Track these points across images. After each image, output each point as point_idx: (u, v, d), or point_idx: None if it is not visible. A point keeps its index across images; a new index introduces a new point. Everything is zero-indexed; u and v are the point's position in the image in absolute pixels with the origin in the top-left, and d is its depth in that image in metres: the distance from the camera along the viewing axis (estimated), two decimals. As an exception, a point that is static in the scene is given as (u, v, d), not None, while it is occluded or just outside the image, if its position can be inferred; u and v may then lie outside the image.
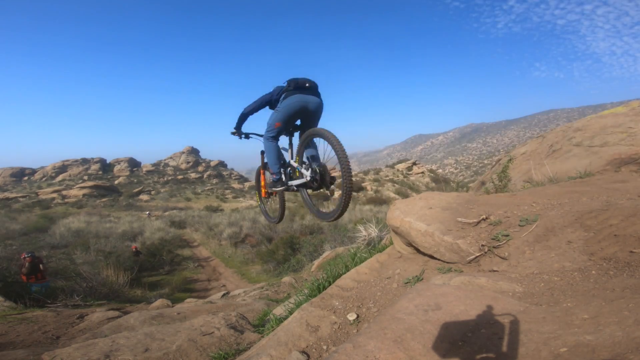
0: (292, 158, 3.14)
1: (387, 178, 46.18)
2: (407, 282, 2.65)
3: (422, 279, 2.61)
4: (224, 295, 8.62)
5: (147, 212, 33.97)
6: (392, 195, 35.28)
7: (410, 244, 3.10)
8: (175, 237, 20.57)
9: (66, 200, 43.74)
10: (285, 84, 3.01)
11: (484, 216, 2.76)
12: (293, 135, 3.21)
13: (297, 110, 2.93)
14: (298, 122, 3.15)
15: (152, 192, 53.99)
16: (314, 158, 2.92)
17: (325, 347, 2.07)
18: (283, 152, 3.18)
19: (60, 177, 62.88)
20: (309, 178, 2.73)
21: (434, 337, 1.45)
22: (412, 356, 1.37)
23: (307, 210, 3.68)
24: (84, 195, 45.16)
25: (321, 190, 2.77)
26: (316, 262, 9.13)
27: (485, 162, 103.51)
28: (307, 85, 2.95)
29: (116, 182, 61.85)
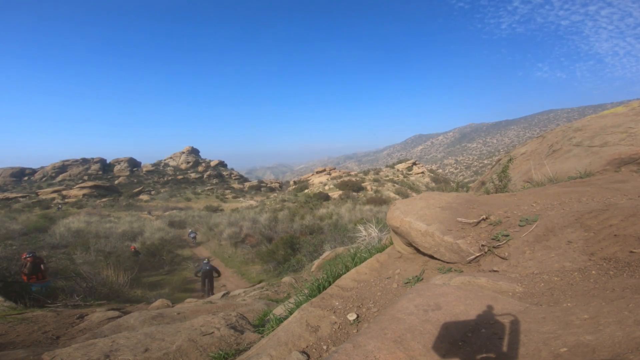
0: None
1: (387, 178, 46.15)
2: (407, 282, 2.65)
3: (422, 279, 2.61)
4: (224, 295, 8.62)
5: (147, 211, 34.13)
6: (392, 195, 35.25)
7: (410, 244, 3.10)
8: (175, 237, 20.59)
9: (66, 200, 43.75)
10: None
11: (484, 216, 2.76)
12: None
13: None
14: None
15: (152, 192, 54.00)
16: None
17: (325, 347, 2.06)
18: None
19: (60, 177, 62.88)
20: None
21: (434, 337, 1.45)
22: (412, 356, 1.37)
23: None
24: (84, 195, 45.18)
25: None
26: (316, 262, 9.12)
27: (485, 162, 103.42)
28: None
29: (116, 182, 61.83)
